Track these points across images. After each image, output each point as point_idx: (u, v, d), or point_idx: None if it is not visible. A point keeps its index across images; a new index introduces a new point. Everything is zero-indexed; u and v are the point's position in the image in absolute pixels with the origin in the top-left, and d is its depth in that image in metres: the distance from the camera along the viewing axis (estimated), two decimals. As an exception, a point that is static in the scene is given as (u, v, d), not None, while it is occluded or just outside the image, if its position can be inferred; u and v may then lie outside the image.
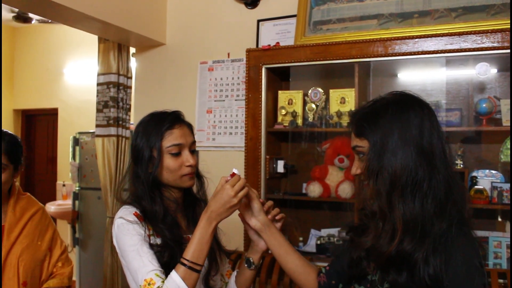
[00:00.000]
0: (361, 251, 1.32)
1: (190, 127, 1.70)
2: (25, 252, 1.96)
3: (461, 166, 2.67)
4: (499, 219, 2.72)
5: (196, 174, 1.71)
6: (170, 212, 1.61)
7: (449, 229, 1.18)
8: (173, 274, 1.41)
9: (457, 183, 1.26)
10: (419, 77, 2.95)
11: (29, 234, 2.01)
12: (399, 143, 1.20)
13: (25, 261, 1.94)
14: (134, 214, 1.56)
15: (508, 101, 2.58)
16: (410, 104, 1.25)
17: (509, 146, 2.68)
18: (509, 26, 2.45)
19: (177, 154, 1.60)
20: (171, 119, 1.63)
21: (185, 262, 1.41)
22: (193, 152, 1.65)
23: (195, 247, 1.43)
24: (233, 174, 1.45)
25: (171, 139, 1.59)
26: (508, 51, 2.44)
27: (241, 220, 1.60)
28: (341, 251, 1.52)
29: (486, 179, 2.68)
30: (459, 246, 1.17)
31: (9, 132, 2.04)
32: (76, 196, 4.96)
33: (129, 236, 1.51)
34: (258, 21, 3.40)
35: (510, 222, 2.45)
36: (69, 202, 5.37)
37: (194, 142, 1.67)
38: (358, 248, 1.33)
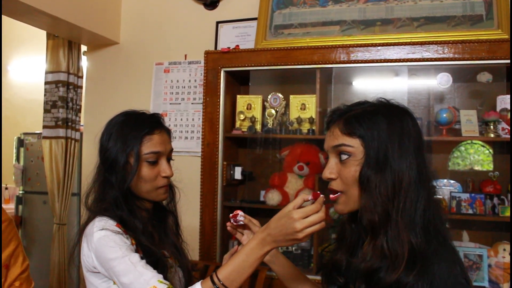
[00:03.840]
0: (334, 271, 1.23)
1: (169, 133, 1.55)
2: None
3: (421, 175, 2.66)
4: (457, 229, 2.74)
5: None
6: (144, 224, 1.48)
7: (436, 246, 1.10)
8: (197, 287, 1.23)
9: (437, 201, 1.18)
10: (380, 85, 2.93)
11: None
12: (401, 150, 1.10)
13: None
14: (116, 225, 1.40)
15: (467, 111, 2.61)
16: (406, 112, 1.17)
17: (456, 155, 2.71)
18: (468, 38, 2.48)
19: (154, 163, 1.46)
20: (151, 123, 1.48)
21: (216, 280, 1.21)
22: (169, 160, 1.53)
23: (234, 268, 1.21)
24: (317, 196, 1.18)
25: (150, 145, 1.45)
26: (466, 62, 2.47)
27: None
28: None
29: (445, 188, 2.70)
30: (444, 264, 1.07)
31: None
32: (19, 200, 4.74)
33: (117, 247, 1.33)
34: (217, 22, 3.32)
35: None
36: (11, 206, 5.14)
37: (172, 150, 1.54)
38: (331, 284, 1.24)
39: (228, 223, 1.44)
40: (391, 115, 1.14)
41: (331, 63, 2.66)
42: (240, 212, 1.40)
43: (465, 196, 2.60)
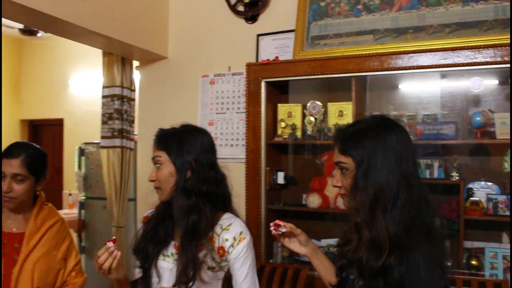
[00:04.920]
0: (344, 260, 1.47)
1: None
2: (41, 260, 2.03)
3: (457, 178, 2.72)
4: (495, 231, 2.77)
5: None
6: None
7: (419, 238, 1.30)
8: None
9: (428, 200, 1.37)
10: (415, 91, 3.00)
11: (47, 243, 2.08)
12: (383, 162, 1.33)
13: (40, 268, 2.01)
14: (145, 217, 1.90)
15: (502, 114, 2.63)
16: (391, 128, 1.39)
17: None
18: (500, 42, 2.51)
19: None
20: None
21: None
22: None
23: None
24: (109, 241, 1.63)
25: None
26: (501, 66, 2.50)
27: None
28: None
29: (482, 191, 2.73)
30: (421, 252, 1.29)
31: (33, 144, 2.13)
32: (82, 206, 5.04)
33: None
34: (258, 35, 3.47)
35: (510, 230, 2.49)
36: (75, 211, 5.44)
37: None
38: (341, 258, 1.49)
39: (271, 229, 1.63)
40: (376, 133, 1.37)
41: (366, 71, 2.77)
42: (282, 223, 1.61)
43: (502, 198, 2.63)
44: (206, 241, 1.71)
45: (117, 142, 3.86)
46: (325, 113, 3.11)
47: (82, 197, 5.08)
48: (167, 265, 1.76)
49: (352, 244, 1.40)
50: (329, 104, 3.07)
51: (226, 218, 1.77)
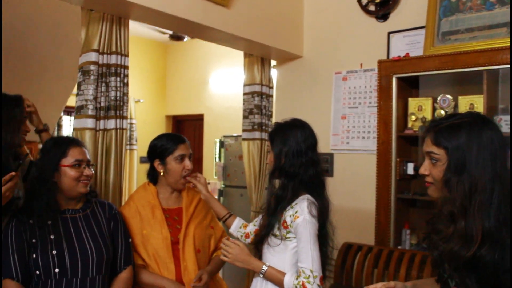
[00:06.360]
0: (436, 251, 1.52)
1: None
2: (198, 228, 2.47)
3: None
4: None
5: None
6: None
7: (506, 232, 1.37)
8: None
9: None
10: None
11: (199, 215, 2.53)
12: (477, 157, 1.39)
13: (198, 234, 2.45)
14: None
15: None
16: (486, 125, 1.44)
17: None
18: None
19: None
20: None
21: None
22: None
23: None
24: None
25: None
26: None
27: None
28: None
29: None
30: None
31: None
32: (221, 193, 5.49)
33: None
34: (389, 33, 3.63)
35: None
36: (215, 198, 5.93)
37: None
38: (434, 249, 1.54)
39: None
40: (471, 128, 1.42)
41: (497, 65, 2.83)
42: None
43: None
44: None
45: (256, 134, 4.20)
46: (455, 107, 3.20)
47: (221, 185, 5.50)
48: None
49: (441, 233, 1.48)
50: (460, 97, 3.15)
51: (299, 198, 2.03)
